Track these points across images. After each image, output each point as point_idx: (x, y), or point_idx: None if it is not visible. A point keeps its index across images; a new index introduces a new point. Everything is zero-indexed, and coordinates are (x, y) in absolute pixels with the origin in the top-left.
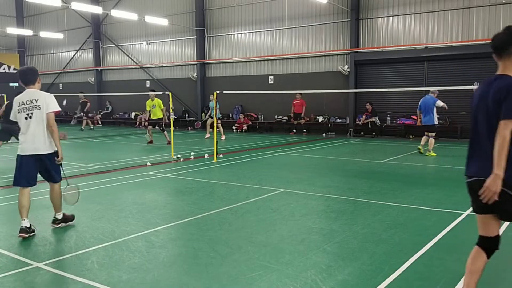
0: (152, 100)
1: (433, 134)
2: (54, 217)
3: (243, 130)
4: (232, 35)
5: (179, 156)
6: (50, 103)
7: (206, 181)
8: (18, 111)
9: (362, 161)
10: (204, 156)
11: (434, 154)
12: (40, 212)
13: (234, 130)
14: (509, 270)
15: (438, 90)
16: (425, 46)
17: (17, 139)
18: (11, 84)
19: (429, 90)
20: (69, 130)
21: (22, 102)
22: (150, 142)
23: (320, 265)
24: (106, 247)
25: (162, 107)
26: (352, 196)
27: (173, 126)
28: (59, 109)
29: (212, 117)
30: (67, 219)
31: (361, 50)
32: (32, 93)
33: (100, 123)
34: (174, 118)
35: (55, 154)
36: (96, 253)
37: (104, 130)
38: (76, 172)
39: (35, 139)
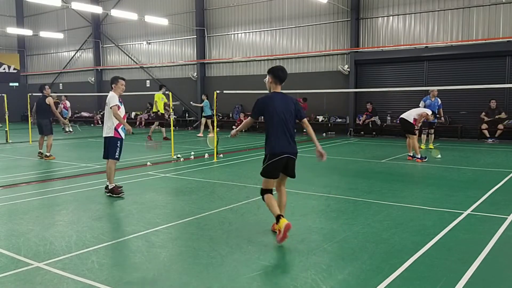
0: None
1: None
2: (106, 184)
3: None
4: (232, 35)
5: (179, 156)
6: (110, 102)
7: (206, 181)
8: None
9: (362, 160)
10: (204, 156)
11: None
12: (41, 212)
13: None
14: (509, 270)
15: (436, 89)
16: (425, 45)
17: (41, 133)
18: (11, 84)
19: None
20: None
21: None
22: (165, 138)
23: (320, 264)
24: (106, 247)
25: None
26: (352, 196)
27: (173, 126)
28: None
29: (204, 117)
30: (114, 192)
31: (361, 49)
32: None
33: (100, 123)
34: (174, 118)
35: (112, 138)
36: (96, 253)
37: None
38: (76, 172)
39: (103, 126)
